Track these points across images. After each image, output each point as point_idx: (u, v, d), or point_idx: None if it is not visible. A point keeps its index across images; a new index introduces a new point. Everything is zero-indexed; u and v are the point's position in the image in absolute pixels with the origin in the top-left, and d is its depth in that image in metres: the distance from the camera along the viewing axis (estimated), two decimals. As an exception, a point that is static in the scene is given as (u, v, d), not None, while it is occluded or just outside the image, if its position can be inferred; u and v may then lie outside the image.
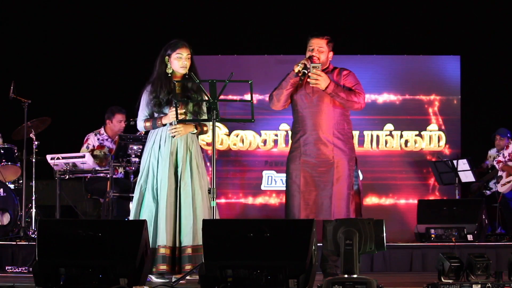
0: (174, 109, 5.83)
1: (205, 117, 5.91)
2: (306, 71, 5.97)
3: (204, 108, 5.91)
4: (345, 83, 6.09)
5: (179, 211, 5.90)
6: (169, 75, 6.02)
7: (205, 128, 6.09)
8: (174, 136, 5.94)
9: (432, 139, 9.99)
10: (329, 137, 6.04)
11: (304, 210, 5.99)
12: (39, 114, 8.71)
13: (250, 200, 10.02)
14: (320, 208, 5.98)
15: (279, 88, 6.12)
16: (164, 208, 5.85)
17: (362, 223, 4.77)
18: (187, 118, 5.97)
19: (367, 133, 9.97)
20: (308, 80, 5.99)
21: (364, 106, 6.13)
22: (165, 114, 5.96)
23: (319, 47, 6.08)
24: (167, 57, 6.02)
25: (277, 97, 6.12)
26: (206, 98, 5.64)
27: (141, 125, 6.08)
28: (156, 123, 5.97)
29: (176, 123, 5.91)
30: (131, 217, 5.98)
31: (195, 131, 6.03)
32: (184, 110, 5.96)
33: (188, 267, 5.81)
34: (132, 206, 6.01)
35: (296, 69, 5.99)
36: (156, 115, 6.01)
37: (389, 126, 9.98)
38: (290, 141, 6.28)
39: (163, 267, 5.77)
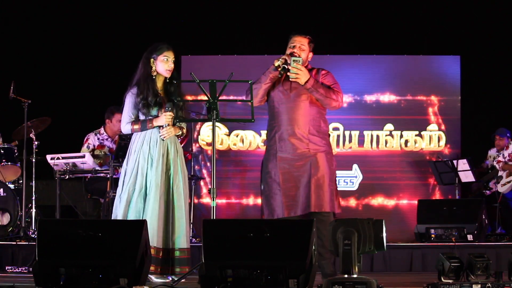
0: (167, 112, 5.89)
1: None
2: (286, 66, 5.92)
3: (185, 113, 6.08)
4: (324, 81, 6.05)
5: (172, 213, 5.90)
6: (154, 77, 6.02)
7: (184, 131, 6.13)
8: (165, 138, 5.95)
9: (432, 139, 9.98)
10: (305, 133, 5.98)
11: (287, 208, 5.92)
12: (39, 114, 8.71)
13: (250, 200, 10.01)
14: (303, 202, 5.91)
15: (258, 82, 6.07)
16: (157, 209, 5.84)
17: (362, 223, 4.76)
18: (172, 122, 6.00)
19: (367, 133, 9.96)
20: (288, 74, 5.94)
21: (342, 105, 6.09)
22: (154, 116, 5.96)
23: (301, 45, 6.06)
24: (152, 59, 6.00)
25: (255, 91, 6.04)
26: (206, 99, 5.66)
27: (127, 127, 6.03)
28: (147, 126, 5.95)
29: (167, 125, 5.92)
30: (119, 218, 5.93)
31: (180, 133, 6.07)
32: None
33: (177, 269, 5.83)
34: (120, 207, 5.96)
35: (276, 63, 5.94)
36: (142, 117, 5.99)
37: (389, 126, 9.97)
38: (265, 138, 6.21)
39: (151, 268, 5.71)
